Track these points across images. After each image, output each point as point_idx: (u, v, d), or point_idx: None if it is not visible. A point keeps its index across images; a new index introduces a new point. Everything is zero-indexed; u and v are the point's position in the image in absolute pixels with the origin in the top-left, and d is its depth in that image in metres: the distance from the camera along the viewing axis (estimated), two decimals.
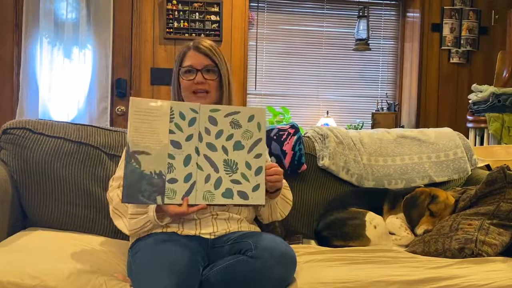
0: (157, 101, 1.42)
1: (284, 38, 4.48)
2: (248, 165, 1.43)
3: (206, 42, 1.65)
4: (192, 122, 1.43)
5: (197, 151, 1.42)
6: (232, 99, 1.69)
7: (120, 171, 1.61)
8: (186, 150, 1.41)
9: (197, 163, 1.41)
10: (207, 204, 1.41)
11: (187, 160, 1.41)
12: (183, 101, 1.65)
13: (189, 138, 1.42)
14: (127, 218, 1.49)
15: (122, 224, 1.52)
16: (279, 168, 1.51)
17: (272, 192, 1.55)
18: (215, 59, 1.62)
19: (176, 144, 1.40)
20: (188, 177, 1.40)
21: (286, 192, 1.68)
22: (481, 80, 4.17)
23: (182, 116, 1.42)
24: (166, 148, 1.39)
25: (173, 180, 1.39)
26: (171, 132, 1.41)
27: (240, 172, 1.42)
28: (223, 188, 1.41)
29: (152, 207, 1.44)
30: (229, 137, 1.44)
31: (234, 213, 1.58)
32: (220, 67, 1.64)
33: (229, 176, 1.42)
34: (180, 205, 1.38)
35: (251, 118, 1.45)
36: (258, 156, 1.44)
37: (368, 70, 4.64)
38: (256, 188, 1.42)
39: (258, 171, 1.43)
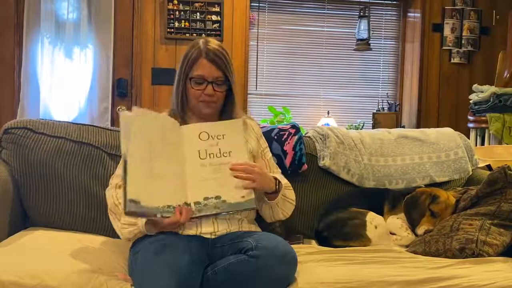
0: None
1: (285, 38, 4.48)
2: None
3: (216, 46, 1.59)
4: None
5: None
6: (235, 105, 1.68)
7: (119, 169, 1.61)
8: None
9: None
10: None
11: None
12: (186, 104, 1.65)
13: None
14: (120, 223, 1.49)
15: (116, 225, 1.53)
16: (249, 167, 1.50)
17: (270, 193, 1.57)
18: (226, 71, 1.58)
19: None
20: None
21: (288, 192, 1.68)
22: (482, 80, 4.16)
23: None
24: None
25: None
26: None
27: None
28: None
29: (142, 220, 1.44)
30: None
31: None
32: (230, 79, 1.61)
33: None
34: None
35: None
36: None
37: (369, 70, 4.64)
38: None
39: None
